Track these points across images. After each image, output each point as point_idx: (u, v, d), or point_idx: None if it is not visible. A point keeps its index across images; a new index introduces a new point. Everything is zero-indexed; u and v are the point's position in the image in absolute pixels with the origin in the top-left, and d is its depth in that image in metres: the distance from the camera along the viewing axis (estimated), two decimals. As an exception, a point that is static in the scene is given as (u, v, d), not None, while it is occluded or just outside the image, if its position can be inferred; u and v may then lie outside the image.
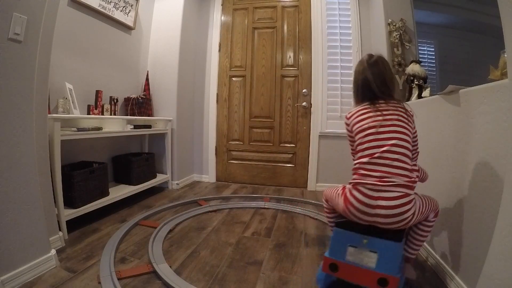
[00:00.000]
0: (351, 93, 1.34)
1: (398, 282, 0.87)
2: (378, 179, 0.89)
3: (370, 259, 0.90)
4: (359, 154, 0.97)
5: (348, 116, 1.08)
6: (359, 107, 1.06)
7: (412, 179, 0.90)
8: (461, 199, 1.10)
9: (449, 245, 1.18)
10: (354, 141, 1.03)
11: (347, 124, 1.09)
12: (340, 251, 0.95)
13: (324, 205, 1.23)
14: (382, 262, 0.89)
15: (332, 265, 0.95)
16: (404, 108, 1.01)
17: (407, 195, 0.88)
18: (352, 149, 1.10)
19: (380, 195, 0.88)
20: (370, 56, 1.10)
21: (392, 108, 1.00)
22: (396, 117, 0.97)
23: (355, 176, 0.95)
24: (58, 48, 1.71)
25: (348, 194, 0.95)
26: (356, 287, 0.95)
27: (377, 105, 1.01)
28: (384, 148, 0.92)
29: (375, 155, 0.92)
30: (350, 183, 0.97)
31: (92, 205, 1.68)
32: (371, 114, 1.00)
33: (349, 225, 0.97)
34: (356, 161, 0.98)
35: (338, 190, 1.04)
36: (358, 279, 0.92)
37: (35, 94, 1.12)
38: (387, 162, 0.90)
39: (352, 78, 1.18)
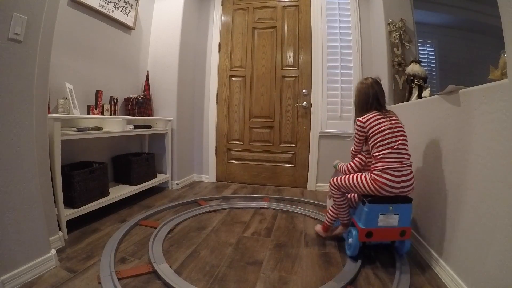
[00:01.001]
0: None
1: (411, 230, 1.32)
2: (399, 163, 1.25)
3: (394, 220, 1.27)
4: (380, 148, 1.29)
5: (364, 120, 1.36)
6: (371, 114, 1.36)
7: (411, 162, 1.30)
8: (461, 199, 1.10)
9: (449, 245, 1.18)
10: (363, 140, 1.41)
11: (363, 127, 1.37)
12: (373, 221, 1.27)
13: (333, 194, 1.46)
14: (402, 219, 1.27)
15: (368, 233, 1.28)
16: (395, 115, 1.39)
17: (412, 171, 1.28)
18: (357, 147, 1.46)
19: (402, 173, 1.24)
20: (369, 77, 1.47)
21: (392, 115, 1.36)
22: (397, 121, 1.34)
23: (380, 163, 1.27)
24: (58, 48, 1.70)
25: (377, 178, 1.26)
26: (374, 246, 1.42)
27: (385, 113, 1.36)
28: (398, 143, 1.27)
29: (394, 147, 1.27)
30: (376, 168, 1.27)
31: (92, 205, 1.68)
32: (384, 119, 1.33)
33: (376, 200, 1.28)
34: (379, 153, 1.28)
35: (357, 177, 1.34)
36: (386, 237, 1.31)
37: (35, 94, 1.12)
38: (401, 151, 1.27)
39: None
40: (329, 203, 1.57)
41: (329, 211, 1.54)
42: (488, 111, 0.96)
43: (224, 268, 1.26)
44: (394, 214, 1.27)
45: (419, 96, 1.80)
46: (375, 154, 1.30)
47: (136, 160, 2.21)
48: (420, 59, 2.00)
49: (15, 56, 1.03)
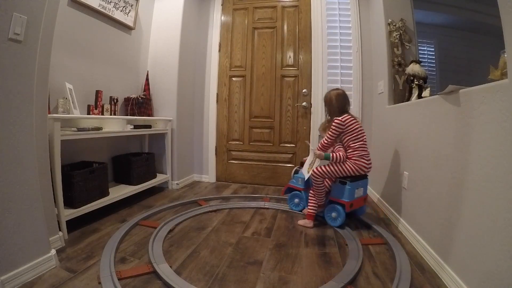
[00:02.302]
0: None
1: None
2: (367, 152, 1.75)
3: (361, 191, 1.81)
4: (356, 141, 1.73)
5: (343, 120, 1.73)
6: (347, 116, 1.75)
7: None
8: (461, 199, 1.10)
9: (449, 245, 1.18)
10: (337, 136, 1.77)
11: (342, 125, 1.73)
12: (352, 195, 1.73)
13: (317, 181, 1.77)
14: (364, 190, 1.83)
15: (351, 205, 1.72)
16: None
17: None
18: (331, 141, 1.78)
19: (370, 159, 1.75)
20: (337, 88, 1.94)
21: (356, 117, 1.80)
22: (359, 121, 1.79)
23: (357, 152, 1.72)
24: (58, 48, 1.70)
25: (357, 162, 1.72)
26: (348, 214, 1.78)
27: (352, 115, 1.79)
28: (364, 138, 1.75)
29: (364, 141, 1.75)
30: (354, 155, 1.72)
31: (92, 205, 1.68)
32: (355, 120, 1.76)
33: (352, 180, 1.74)
34: (355, 145, 1.73)
35: (340, 164, 1.74)
36: (358, 204, 1.81)
37: (35, 94, 1.12)
38: (366, 144, 1.76)
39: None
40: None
41: (310, 202, 1.81)
42: (488, 111, 0.96)
43: (224, 268, 1.26)
44: (361, 187, 1.79)
45: (419, 96, 1.80)
46: (352, 145, 1.73)
47: (136, 160, 2.21)
48: (420, 59, 2.00)
49: (15, 56, 1.03)
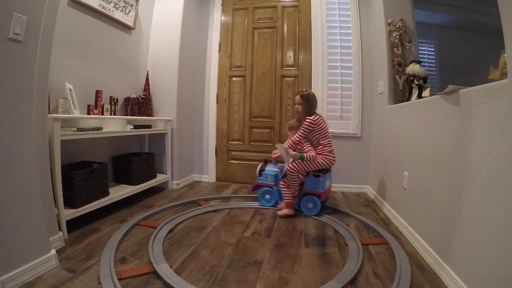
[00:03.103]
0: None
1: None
2: (333, 148, 2.00)
3: (328, 182, 2.07)
4: (325, 139, 1.98)
5: (315, 120, 1.93)
6: (316, 116, 1.96)
7: None
8: (461, 199, 1.10)
9: (449, 245, 1.18)
10: (309, 134, 1.97)
11: (314, 124, 1.93)
12: (324, 185, 1.97)
13: (292, 175, 1.93)
14: (330, 181, 2.12)
15: (324, 194, 1.98)
16: None
17: None
18: (302, 138, 1.96)
19: (335, 154, 2.00)
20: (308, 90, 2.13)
21: (321, 116, 2.00)
22: (325, 120, 2.02)
23: (326, 147, 1.97)
24: (58, 48, 1.70)
25: (328, 156, 1.97)
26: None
27: (320, 115, 2.00)
28: (330, 135, 2.00)
29: (330, 138, 1.99)
30: (325, 151, 1.97)
31: (92, 205, 1.68)
32: (323, 119, 1.98)
33: (324, 172, 1.98)
34: (324, 141, 1.98)
35: (313, 160, 1.93)
36: (327, 194, 2.11)
37: (35, 94, 1.12)
38: (331, 141, 2.00)
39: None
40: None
41: (285, 193, 1.97)
42: (488, 111, 0.96)
43: (224, 268, 1.26)
44: (328, 178, 2.07)
45: (419, 96, 1.80)
46: (321, 142, 1.98)
47: (136, 160, 2.21)
48: (420, 59, 2.00)
49: (15, 56, 1.03)
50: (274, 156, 2.09)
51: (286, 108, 2.85)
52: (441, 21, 2.29)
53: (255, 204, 2.18)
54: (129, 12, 2.37)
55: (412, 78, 1.88)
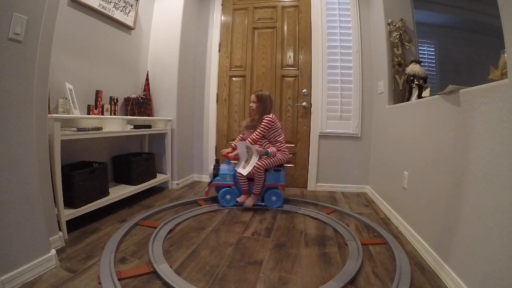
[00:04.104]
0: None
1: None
2: (286, 145, 2.20)
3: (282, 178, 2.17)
4: (281, 136, 2.16)
5: (273, 118, 2.10)
6: (273, 115, 2.12)
7: None
8: (461, 199, 1.10)
9: (449, 245, 1.18)
10: (268, 132, 2.11)
11: (272, 123, 2.09)
12: (284, 179, 2.15)
13: (260, 172, 2.01)
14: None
15: (285, 187, 2.21)
16: None
17: None
18: (260, 136, 2.08)
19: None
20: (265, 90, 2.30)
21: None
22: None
23: (284, 145, 2.16)
24: (58, 48, 1.70)
25: (286, 153, 2.16)
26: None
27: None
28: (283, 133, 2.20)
29: (283, 136, 2.18)
30: (283, 148, 2.15)
31: (92, 205, 1.68)
32: (277, 119, 2.14)
33: (283, 167, 2.16)
34: (281, 139, 2.16)
35: (274, 159, 2.08)
36: (285, 186, 2.21)
37: (35, 94, 1.12)
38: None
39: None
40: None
41: (255, 186, 2.07)
42: (488, 111, 0.96)
43: (224, 268, 1.26)
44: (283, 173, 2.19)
45: (419, 96, 1.80)
46: (279, 140, 2.15)
47: (136, 160, 2.21)
48: (420, 59, 2.00)
49: (15, 56, 1.03)
50: (231, 155, 2.14)
51: (286, 108, 2.85)
52: (441, 21, 2.30)
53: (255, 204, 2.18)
54: (129, 12, 2.37)
55: (412, 78, 1.88)
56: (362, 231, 1.71)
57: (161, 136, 2.61)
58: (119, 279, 1.11)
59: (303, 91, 2.78)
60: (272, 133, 2.13)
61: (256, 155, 2.04)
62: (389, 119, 2.17)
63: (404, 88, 2.09)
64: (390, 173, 2.07)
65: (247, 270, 1.25)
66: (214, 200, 2.21)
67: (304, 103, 2.77)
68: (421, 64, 1.90)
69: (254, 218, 1.92)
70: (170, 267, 1.22)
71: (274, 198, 2.12)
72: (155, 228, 1.63)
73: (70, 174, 1.57)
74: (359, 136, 2.70)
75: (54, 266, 1.19)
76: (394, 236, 1.61)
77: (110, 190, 1.92)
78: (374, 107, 2.62)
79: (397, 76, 2.15)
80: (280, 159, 2.10)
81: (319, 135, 2.74)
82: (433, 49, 2.33)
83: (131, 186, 2.15)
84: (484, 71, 1.10)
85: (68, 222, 1.49)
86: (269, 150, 2.06)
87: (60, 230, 1.41)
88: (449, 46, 2.25)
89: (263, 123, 2.07)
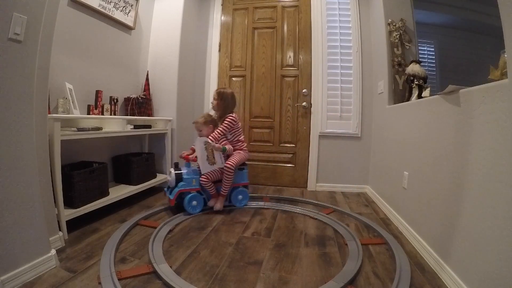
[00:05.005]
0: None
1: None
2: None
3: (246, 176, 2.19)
4: (241, 136, 2.15)
5: (235, 117, 2.07)
6: (235, 114, 2.09)
7: None
8: (461, 199, 1.10)
9: (449, 245, 1.18)
10: (229, 132, 2.08)
11: (235, 122, 2.06)
12: (245, 177, 2.17)
13: (232, 172, 1.98)
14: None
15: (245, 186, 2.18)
16: None
17: None
18: (222, 135, 2.04)
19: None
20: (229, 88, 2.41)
21: None
22: None
23: (244, 144, 2.17)
24: (58, 48, 1.70)
25: (247, 152, 2.17)
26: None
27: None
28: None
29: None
30: (244, 147, 2.16)
31: (92, 205, 1.68)
32: (238, 118, 2.14)
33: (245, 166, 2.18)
34: (242, 138, 2.16)
35: (241, 155, 2.09)
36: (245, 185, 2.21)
37: (35, 94, 1.12)
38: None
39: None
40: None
41: (225, 187, 2.00)
42: (488, 111, 0.96)
43: (224, 268, 1.26)
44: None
45: (419, 96, 1.80)
46: (240, 139, 2.14)
47: (136, 160, 2.21)
48: (420, 59, 2.00)
49: (15, 56, 1.03)
50: (191, 156, 2.02)
51: (286, 108, 2.85)
52: (441, 21, 2.29)
53: (255, 204, 2.18)
54: (129, 12, 2.37)
55: (412, 78, 1.88)
56: (362, 231, 1.71)
57: (161, 136, 2.61)
58: (119, 279, 1.11)
59: (303, 91, 2.78)
60: (233, 133, 2.11)
61: (218, 152, 1.96)
62: (389, 119, 2.17)
63: (404, 88, 2.09)
64: (390, 173, 2.07)
65: (247, 270, 1.25)
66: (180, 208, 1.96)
67: (304, 103, 2.77)
68: (421, 64, 1.90)
69: (254, 218, 1.92)
70: (170, 267, 1.22)
71: (240, 197, 2.11)
72: (155, 228, 1.63)
73: (70, 174, 1.57)
74: (359, 136, 2.70)
75: (54, 266, 1.19)
76: (394, 236, 1.61)
77: (110, 190, 1.92)
78: (374, 107, 2.62)
79: (397, 76, 2.15)
80: (243, 158, 2.11)
81: (319, 135, 2.74)
82: (433, 49, 2.32)
83: (131, 186, 2.15)
84: (484, 71, 1.10)
85: (68, 222, 1.49)
86: (226, 147, 2.02)
87: (60, 230, 1.41)
88: (449, 46, 2.25)
89: (226, 122, 2.03)
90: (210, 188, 1.99)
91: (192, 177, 1.97)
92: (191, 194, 1.93)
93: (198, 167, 2.02)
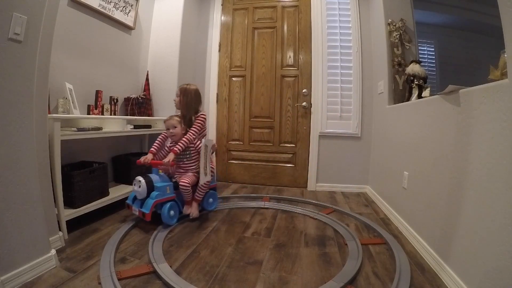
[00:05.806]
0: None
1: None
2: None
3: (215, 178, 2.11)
4: (205, 137, 1.92)
5: (205, 115, 1.95)
6: (204, 112, 1.99)
7: None
8: (461, 199, 1.10)
9: (449, 245, 1.18)
10: (201, 132, 1.93)
11: (205, 121, 1.95)
12: (215, 179, 2.08)
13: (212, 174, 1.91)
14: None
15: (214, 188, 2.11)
16: None
17: None
18: (197, 135, 1.89)
19: None
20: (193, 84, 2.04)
21: None
22: None
23: None
24: (58, 48, 1.70)
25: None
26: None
27: None
28: None
29: None
30: None
31: (92, 205, 1.68)
32: None
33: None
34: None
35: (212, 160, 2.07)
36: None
37: (35, 94, 1.12)
38: None
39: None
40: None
41: (201, 190, 1.83)
42: (488, 111, 0.96)
43: (224, 268, 1.26)
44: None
45: (419, 96, 1.80)
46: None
47: (136, 160, 2.20)
48: (420, 59, 2.00)
49: (15, 56, 1.03)
50: (158, 163, 1.82)
51: (286, 108, 2.85)
52: (441, 21, 2.30)
53: (255, 204, 2.18)
54: (129, 12, 2.37)
55: (412, 78, 1.88)
56: (362, 231, 1.71)
57: (161, 136, 2.60)
58: (119, 279, 1.11)
59: (303, 91, 2.78)
60: (202, 134, 1.95)
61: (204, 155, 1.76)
62: (389, 119, 2.17)
63: (404, 88, 2.09)
64: (390, 173, 2.07)
65: (247, 270, 1.25)
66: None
67: (304, 103, 2.77)
68: (421, 64, 1.90)
69: (254, 218, 1.92)
70: (170, 267, 1.22)
71: (211, 200, 2.02)
72: (155, 228, 1.63)
73: (70, 174, 1.57)
74: (359, 136, 2.70)
75: (54, 266, 1.19)
76: (394, 236, 1.61)
77: (110, 190, 1.92)
78: (374, 107, 2.62)
79: (397, 76, 2.15)
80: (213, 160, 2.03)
81: (319, 135, 2.74)
82: (433, 49, 2.33)
83: (131, 186, 2.14)
84: (484, 71, 1.10)
85: (68, 222, 1.49)
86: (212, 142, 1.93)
87: (60, 230, 1.41)
88: (449, 46, 2.25)
89: (199, 121, 1.90)
90: (189, 193, 1.77)
91: (166, 185, 1.70)
92: (169, 204, 1.69)
93: (167, 173, 1.87)
